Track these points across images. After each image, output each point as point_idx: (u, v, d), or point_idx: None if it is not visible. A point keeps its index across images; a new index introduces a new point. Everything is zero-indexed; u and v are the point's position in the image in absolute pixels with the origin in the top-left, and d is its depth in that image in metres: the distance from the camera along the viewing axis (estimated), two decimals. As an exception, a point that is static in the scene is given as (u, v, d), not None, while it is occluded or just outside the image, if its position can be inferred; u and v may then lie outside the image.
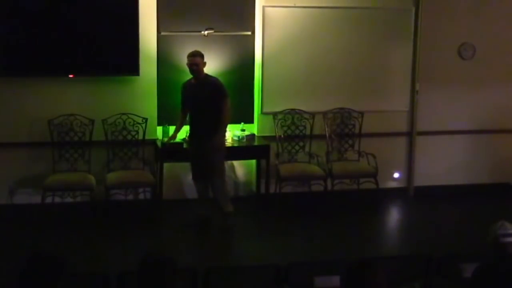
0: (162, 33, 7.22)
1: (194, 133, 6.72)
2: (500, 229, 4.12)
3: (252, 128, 7.53)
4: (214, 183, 6.66)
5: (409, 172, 8.06)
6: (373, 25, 7.68)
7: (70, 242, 6.24)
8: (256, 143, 7.37)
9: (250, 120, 7.54)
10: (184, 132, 7.21)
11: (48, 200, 6.86)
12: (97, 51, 7.03)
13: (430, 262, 4.42)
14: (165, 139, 7.05)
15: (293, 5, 7.46)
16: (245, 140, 7.30)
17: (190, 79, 6.70)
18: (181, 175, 7.49)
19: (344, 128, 7.74)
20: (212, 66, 7.32)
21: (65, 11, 6.93)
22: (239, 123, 7.37)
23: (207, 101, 6.53)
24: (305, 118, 7.60)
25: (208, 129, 6.51)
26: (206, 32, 7.27)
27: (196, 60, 6.56)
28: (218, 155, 6.60)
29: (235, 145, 7.22)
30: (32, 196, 7.04)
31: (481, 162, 8.17)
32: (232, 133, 7.28)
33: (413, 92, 7.91)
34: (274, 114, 7.54)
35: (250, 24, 7.41)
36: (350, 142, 7.74)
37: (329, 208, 7.29)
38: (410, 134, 8.01)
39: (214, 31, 7.29)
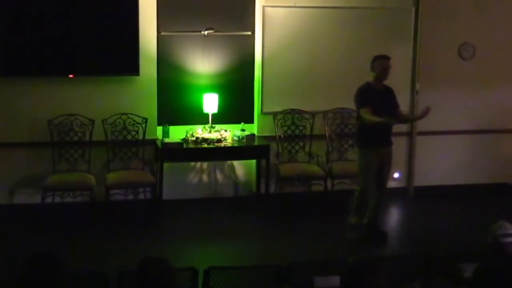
0: (162, 33, 7.22)
1: (381, 140, 6.49)
2: (500, 229, 4.13)
3: (252, 128, 7.53)
4: (384, 192, 6.63)
5: (409, 172, 8.05)
6: (373, 25, 7.68)
7: (70, 242, 6.24)
8: (256, 143, 7.36)
9: (250, 120, 7.54)
10: (183, 132, 7.22)
11: (48, 200, 6.86)
12: (97, 51, 7.04)
13: (430, 262, 4.42)
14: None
15: (293, 5, 7.46)
16: (245, 140, 7.29)
17: (371, 83, 6.39)
18: (181, 175, 7.49)
19: (344, 128, 7.73)
20: (212, 66, 7.33)
21: (65, 11, 6.93)
22: (239, 123, 7.37)
23: (394, 108, 6.50)
24: (305, 118, 7.60)
25: (391, 136, 6.58)
26: (206, 32, 7.27)
27: (390, 63, 6.42)
28: None
29: (235, 145, 7.22)
30: (32, 196, 7.04)
31: (481, 162, 8.16)
32: (232, 133, 7.28)
33: (413, 92, 7.90)
34: (274, 114, 7.54)
35: (250, 24, 7.41)
36: (350, 142, 7.73)
37: (329, 208, 7.29)
38: (410, 134, 8.01)
39: (214, 31, 7.29)
